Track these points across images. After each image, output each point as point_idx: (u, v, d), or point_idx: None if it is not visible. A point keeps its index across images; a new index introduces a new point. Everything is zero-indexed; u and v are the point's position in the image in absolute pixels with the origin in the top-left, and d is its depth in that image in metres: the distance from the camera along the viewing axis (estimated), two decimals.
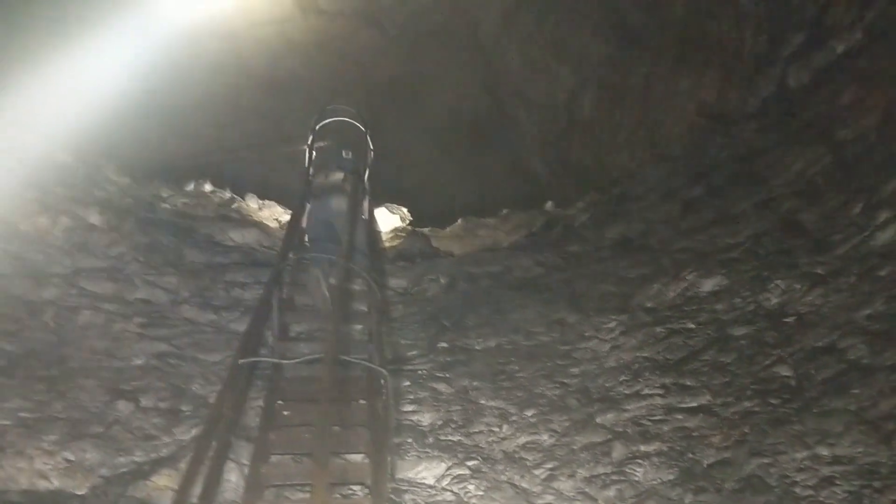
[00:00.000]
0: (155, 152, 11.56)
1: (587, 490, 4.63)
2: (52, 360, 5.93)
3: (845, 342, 4.67)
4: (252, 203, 10.60)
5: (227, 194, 10.45)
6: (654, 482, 4.48)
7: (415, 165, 14.35)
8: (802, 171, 6.71)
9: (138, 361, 6.11)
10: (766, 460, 4.20)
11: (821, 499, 3.80)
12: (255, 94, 13.37)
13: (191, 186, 10.28)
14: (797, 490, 3.93)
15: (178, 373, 6.01)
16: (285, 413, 5.20)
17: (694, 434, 4.70)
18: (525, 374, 5.98)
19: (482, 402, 5.74)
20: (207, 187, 10.45)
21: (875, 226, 5.40)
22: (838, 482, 3.83)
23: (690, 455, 4.55)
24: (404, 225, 11.02)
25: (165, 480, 4.74)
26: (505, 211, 10.96)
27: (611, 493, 4.53)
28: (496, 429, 5.42)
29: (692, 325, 5.75)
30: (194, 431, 5.16)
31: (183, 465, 4.56)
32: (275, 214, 10.48)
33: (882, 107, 6.49)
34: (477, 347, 6.55)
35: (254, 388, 5.64)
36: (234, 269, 7.95)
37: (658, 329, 5.89)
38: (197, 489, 3.97)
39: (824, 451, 4.05)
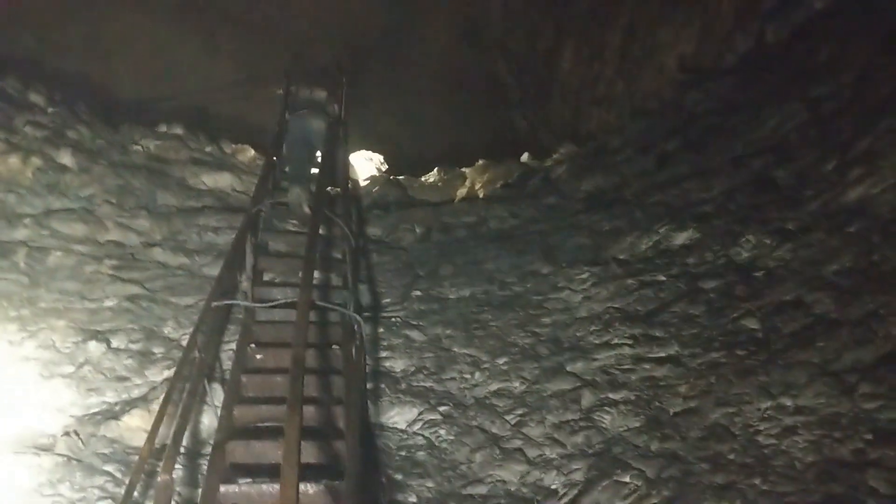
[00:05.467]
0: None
1: (556, 436, 4.72)
2: (23, 301, 5.88)
3: (812, 296, 4.76)
4: (226, 147, 10.44)
5: (201, 137, 10.27)
6: (621, 429, 4.57)
7: (392, 113, 14.21)
8: (777, 128, 6.74)
9: (110, 303, 6.07)
10: (730, 410, 4.30)
11: (783, 448, 3.91)
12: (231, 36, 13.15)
13: (163, 129, 10.08)
14: (760, 439, 4.03)
15: (151, 315, 5.99)
16: (258, 357, 5.21)
17: (661, 383, 4.79)
18: (498, 323, 6.03)
19: (455, 349, 5.80)
20: (179, 130, 10.27)
21: (847, 183, 5.45)
22: (800, 432, 3.93)
23: (657, 404, 4.64)
24: (380, 172, 10.95)
25: (137, 421, 4.77)
26: (482, 161, 10.91)
27: (579, 439, 4.62)
28: (468, 376, 5.48)
29: (663, 278, 5.81)
30: (166, 373, 5.17)
31: (155, 407, 4.59)
32: (248, 158, 10.35)
33: (859, 64, 6.51)
34: (451, 296, 6.58)
35: (227, 333, 5.65)
36: (206, 213, 7.88)
37: (630, 281, 5.95)
38: (169, 430, 3.99)
39: (788, 402, 4.14)
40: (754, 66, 8.31)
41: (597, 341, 5.46)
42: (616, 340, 5.37)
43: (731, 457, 4.01)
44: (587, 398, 4.90)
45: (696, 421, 4.38)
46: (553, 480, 4.41)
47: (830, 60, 6.96)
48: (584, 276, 6.29)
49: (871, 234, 4.92)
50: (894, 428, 3.66)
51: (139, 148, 8.94)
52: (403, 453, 4.82)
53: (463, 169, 11.07)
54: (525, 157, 10.79)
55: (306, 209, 6.98)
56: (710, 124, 7.77)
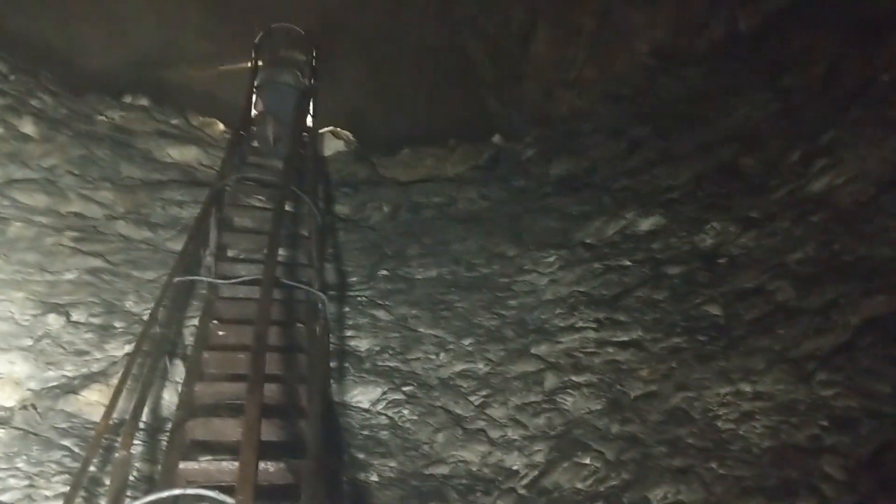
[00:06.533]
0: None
1: (518, 417, 4.74)
2: None
3: (774, 284, 4.82)
4: (193, 120, 10.28)
5: (168, 110, 10.10)
6: (583, 411, 4.61)
7: (364, 91, 14.10)
8: (746, 116, 6.80)
9: (70, 276, 5.96)
10: (690, 394, 4.35)
11: (740, 432, 3.96)
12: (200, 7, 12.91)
13: (128, 99, 9.89)
14: (718, 423, 4.08)
15: (112, 289, 5.90)
16: (220, 333, 5.15)
17: (623, 367, 4.83)
18: (464, 304, 6.04)
19: (420, 330, 5.79)
20: (146, 101, 10.09)
21: (812, 173, 5.52)
22: (758, 417, 3.99)
23: (619, 387, 4.68)
24: (349, 149, 10.84)
25: (97, 395, 4.69)
26: (452, 141, 10.84)
27: (541, 420, 4.65)
28: (433, 356, 5.49)
29: (628, 263, 5.85)
30: (127, 348, 5.09)
31: (115, 381, 4.52)
32: (216, 132, 10.21)
33: (830, 56, 6.57)
34: (418, 277, 6.57)
35: (190, 308, 5.58)
36: (171, 186, 7.76)
37: (595, 265, 5.98)
38: (128, 405, 3.95)
39: (747, 388, 4.20)
40: (726, 54, 8.36)
41: (562, 324, 5.49)
42: (580, 324, 5.40)
43: (690, 440, 4.05)
44: (550, 380, 4.92)
45: (656, 405, 4.42)
46: (514, 461, 4.44)
47: (801, 51, 7.02)
48: (550, 259, 6.31)
49: (834, 224, 4.99)
50: (850, 415, 3.72)
51: (104, 118, 8.78)
52: (366, 432, 4.81)
53: (434, 148, 11.00)
54: (497, 138, 10.75)
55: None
56: (681, 111, 7.81)
